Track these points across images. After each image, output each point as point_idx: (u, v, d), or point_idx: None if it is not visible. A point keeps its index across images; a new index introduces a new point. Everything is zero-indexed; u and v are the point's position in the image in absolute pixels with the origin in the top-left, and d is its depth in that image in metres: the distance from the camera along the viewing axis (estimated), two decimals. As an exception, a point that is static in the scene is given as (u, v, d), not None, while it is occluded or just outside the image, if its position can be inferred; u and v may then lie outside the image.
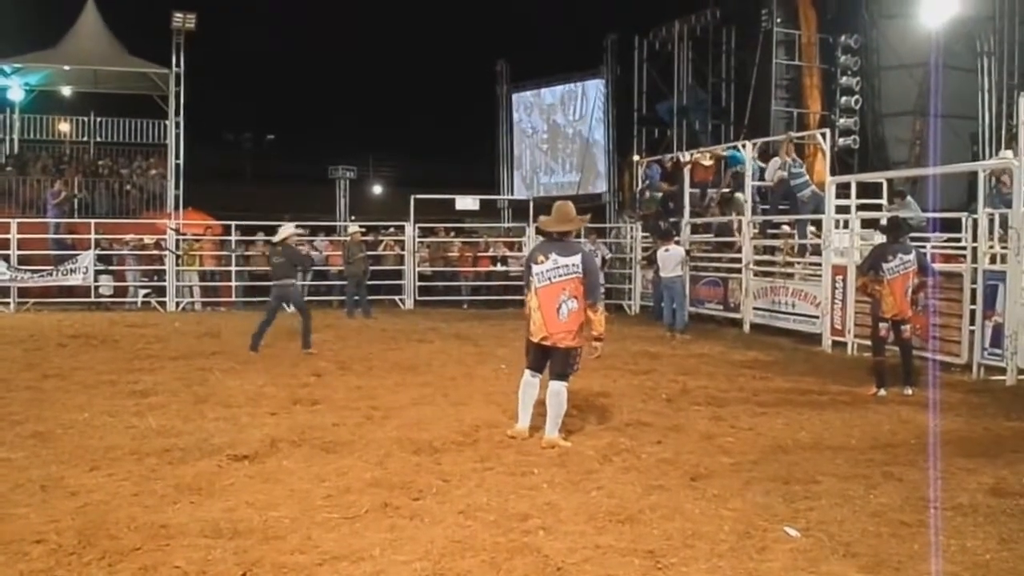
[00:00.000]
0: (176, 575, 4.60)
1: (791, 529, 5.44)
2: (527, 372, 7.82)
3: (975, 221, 12.31)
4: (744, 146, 18.31)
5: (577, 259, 7.53)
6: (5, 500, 5.78)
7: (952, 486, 6.34)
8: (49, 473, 6.42)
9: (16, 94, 24.02)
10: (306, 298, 20.72)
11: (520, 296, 8.02)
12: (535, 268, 7.59)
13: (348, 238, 14.42)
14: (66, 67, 22.97)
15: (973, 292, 11.80)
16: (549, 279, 7.49)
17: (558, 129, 32.08)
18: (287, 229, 14.63)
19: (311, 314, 14.36)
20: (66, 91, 25.19)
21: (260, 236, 21.83)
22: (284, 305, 14.17)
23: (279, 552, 4.96)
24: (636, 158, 24.28)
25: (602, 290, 8.42)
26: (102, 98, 25.49)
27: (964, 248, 12.94)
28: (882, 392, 10.14)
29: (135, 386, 10.23)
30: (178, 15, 21.13)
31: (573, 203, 8.17)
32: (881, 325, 10.39)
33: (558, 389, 7.54)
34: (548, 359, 7.65)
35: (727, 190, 19.00)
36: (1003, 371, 11.16)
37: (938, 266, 12.30)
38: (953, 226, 14.38)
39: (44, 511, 5.56)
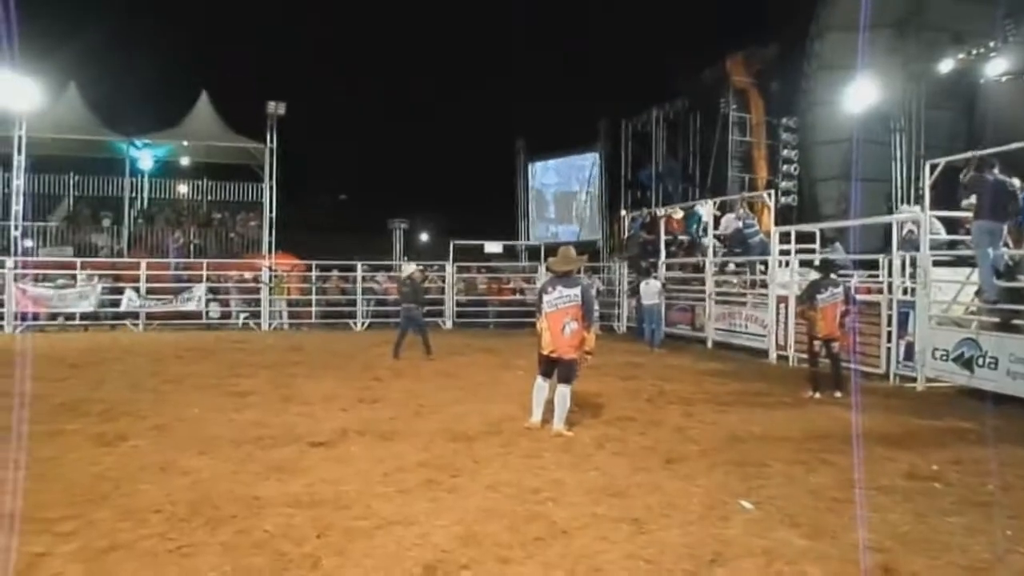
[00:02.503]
0: (264, 537, 4.59)
1: (746, 503, 5.38)
2: (539, 377, 7.84)
3: (890, 261, 12.24)
4: (704, 204, 18.31)
5: (578, 291, 7.63)
6: (132, 478, 5.79)
7: (875, 470, 6.26)
8: (166, 457, 6.42)
9: (146, 163, 24.26)
10: (369, 321, 20.97)
11: (534, 319, 8.02)
12: (545, 297, 7.67)
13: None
14: (185, 143, 23.21)
15: (889, 317, 11.70)
16: (556, 306, 7.56)
17: (563, 190, 32.19)
18: (410, 267, 15.06)
19: (428, 331, 14.46)
20: (185, 161, 25.41)
21: (334, 272, 21.95)
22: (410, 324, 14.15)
23: (346, 518, 4.95)
24: (623, 213, 24.23)
25: (596, 315, 8.43)
26: (213, 166, 25.69)
27: (881, 283, 12.83)
28: (816, 395, 10.05)
29: (235, 388, 10.24)
30: (271, 103, 21.33)
31: (574, 247, 8.23)
32: (815, 343, 10.33)
33: (564, 391, 7.55)
34: (555, 367, 7.67)
35: (688, 237, 19.00)
36: (914, 379, 11.06)
37: (861, 297, 12.20)
38: (872, 265, 14.28)
39: (163, 487, 5.58)
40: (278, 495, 5.39)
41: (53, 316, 19.37)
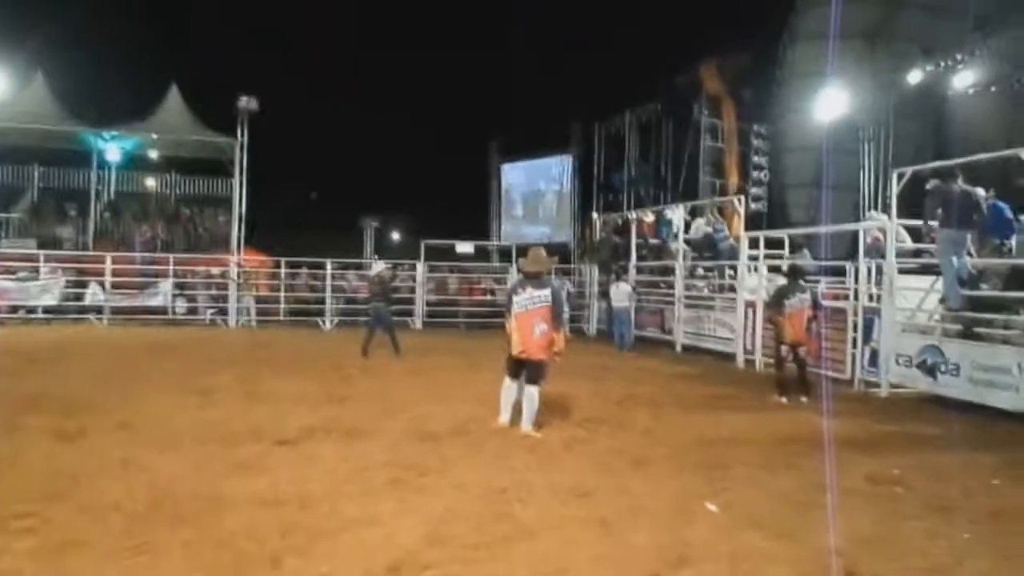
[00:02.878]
0: (226, 536, 4.52)
1: (712, 505, 5.41)
2: (507, 378, 7.82)
3: (857, 269, 12.39)
4: (675, 209, 18.43)
5: (547, 292, 7.62)
6: (93, 475, 5.68)
7: (839, 474, 6.29)
8: (128, 453, 6.31)
9: (113, 156, 23.82)
10: (338, 319, 20.83)
11: (504, 320, 7.99)
12: (515, 298, 7.66)
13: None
14: (154, 135, 22.83)
15: (855, 323, 11.83)
16: (526, 307, 7.55)
17: (536, 192, 32.20)
18: (378, 265, 14.99)
19: (396, 330, 14.36)
20: (153, 154, 25.02)
21: (303, 270, 21.78)
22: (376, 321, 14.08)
23: (311, 518, 4.90)
24: (595, 216, 24.30)
25: (564, 317, 8.42)
26: (181, 160, 25.33)
27: (848, 289, 12.99)
28: (783, 400, 10.15)
29: (200, 385, 10.09)
30: (243, 98, 21.10)
31: (544, 249, 8.22)
32: (782, 348, 10.44)
33: (532, 392, 7.54)
34: (524, 368, 7.64)
35: (659, 241, 19.12)
36: (878, 385, 11.19)
37: (828, 303, 12.33)
38: (839, 272, 14.46)
39: (123, 484, 5.48)
40: (241, 493, 5.31)
41: (14, 309, 19.01)
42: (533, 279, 7.76)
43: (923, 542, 4.82)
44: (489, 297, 22.32)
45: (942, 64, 18.04)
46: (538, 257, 7.96)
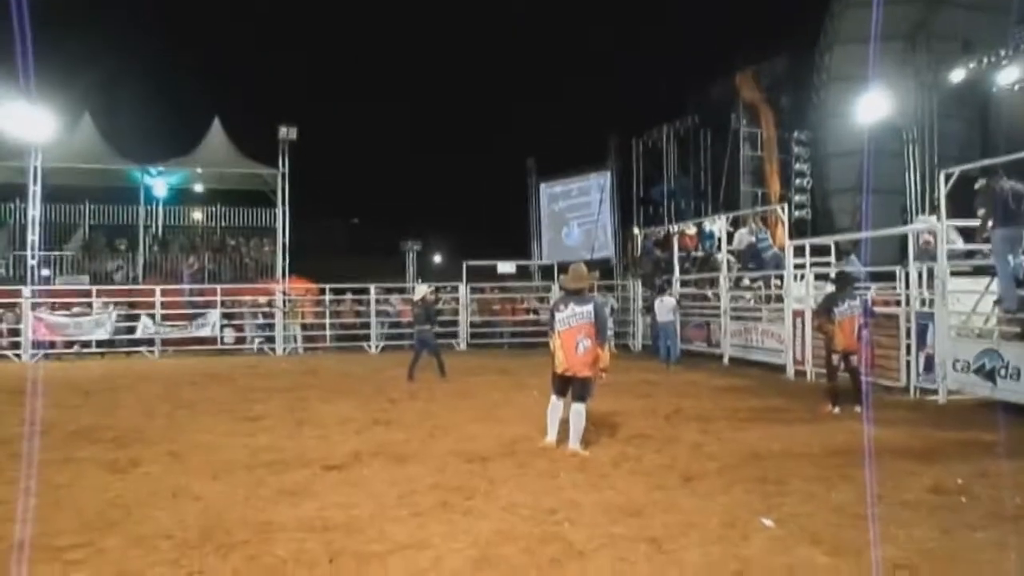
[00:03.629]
0: (276, 562, 4.51)
1: (767, 520, 5.26)
2: (553, 396, 7.75)
3: (907, 273, 12.11)
4: (717, 220, 18.26)
5: (590, 307, 7.52)
6: (143, 505, 5.72)
7: (898, 485, 6.12)
8: (179, 483, 6.37)
9: (160, 191, 24.39)
10: (384, 343, 20.95)
11: (547, 339, 7.93)
12: (558, 315, 7.58)
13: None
14: (199, 169, 23.33)
15: (908, 330, 11.54)
16: (568, 324, 7.47)
17: (575, 209, 32.13)
18: (422, 289, 14.92)
19: (441, 352, 14.39)
20: (198, 187, 25.56)
21: (348, 296, 21.98)
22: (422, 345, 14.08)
23: (359, 543, 4.87)
24: (636, 230, 24.17)
25: (609, 332, 8.33)
26: (226, 192, 25.82)
27: (899, 295, 12.69)
28: (836, 410, 9.90)
29: (249, 413, 10.20)
30: (283, 128, 21.46)
31: (585, 265, 8.15)
32: (834, 356, 10.19)
33: (579, 409, 7.45)
34: (569, 386, 7.56)
35: (702, 253, 18.95)
36: (935, 392, 10.89)
37: (879, 309, 12.05)
38: (889, 277, 14.15)
39: (173, 513, 5.51)
40: (290, 520, 5.32)
41: (69, 344, 19.46)
42: (575, 295, 7.68)
43: (991, 554, 4.63)
44: (532, 316, 22.26)
45: (984, 61, 17.67)
46: (579, 273, 7.88)
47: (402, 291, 22.86)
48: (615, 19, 36.24)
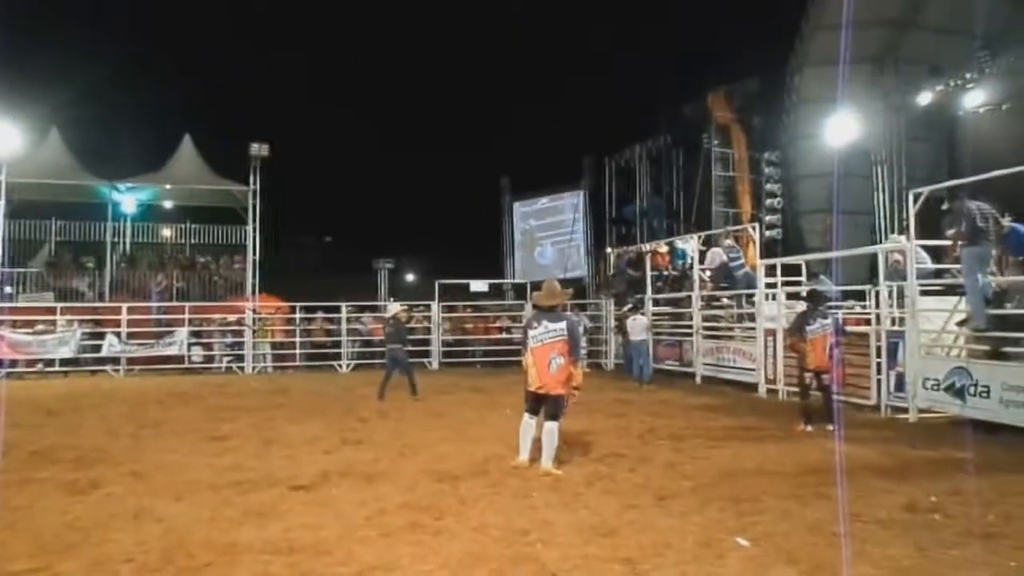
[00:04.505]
0: (239, 586, 4.35)
1: (742, 540, 5.20)
2: (526, 415, 7.66)
3: (877, 292, 12.20)
4: (689, 239, 18.35)
5: (563, 325, 7.46)
6: (104, 527, 5.55)
7: (872, 503, 6.09)
8: (141, 504, 6.18)
9: (129, 207, 24.07)
10: (355, 362, 20.74)
11: (520, 358, 7.85)
12: (531, 332, 7.52)
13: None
14: (168, 186, 23.07)
15: (879, 348, 11.60)
16: (541, 341, 7.40)
17: (548, 228, 32.20)
18: (394, 307, 14.80)
19: (414, 371, 14.23)
20: (168, 204, 25.29)
21: (319, 314, 21.76)
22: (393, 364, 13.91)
23: (326, 564, 4.75)
24: (608, 250, 24.25)
25: (582, 351, 8.26)
26: (196, 209, 25.54)
27: (869, 313, 12.77)
28: (809, 428, 9.91)
29: (216, 432, 9.99)
30: (254, 145, 21.30)
31: (558, 282, 8.09)
32: (806, 375, 10.23)
33: (551, 428, 7.36)
34: (542, 404, 7.48)
35: (676, 272, 19.01)
36: (906, 410, 10.93)
37: (850, 328, 12.12)
38: (859, 296, 14.25)
39: (135, 535, 5.34)
40: (255, 541, 5.17)
41: (32, 363, 19.05)
42: (548, 312, 7.62)
43: (966, 572, 4.61)
44: (505, 335, 22.17)
45: (952, 84, 17.96)
46: (552, 290, 7.82)
47: (374, 309, 22.70)
48: (589, 40, 36.54)
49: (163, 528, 5.51)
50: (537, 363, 7.40)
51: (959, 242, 10.42)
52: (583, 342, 20.96)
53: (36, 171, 20.70)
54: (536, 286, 8.76)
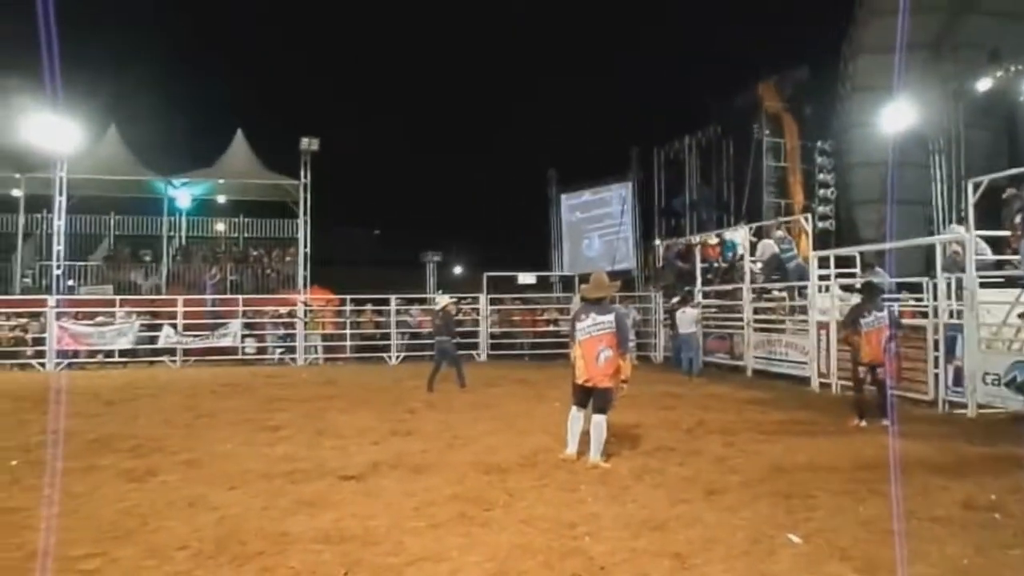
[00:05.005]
0: (290, 573, 4.45)
1: (794, 536, 5.11)
2: (573, 408, 7.63)
3: (935, 284, 11.89)
4: (738, 230, 18.11)
5: (611, 317, 7.40)
6: (159, 515, 5.68)
7: (929, 501, 5.95)
8: (196, 492, 6.32)
9: (184, 202, 24.63)
10: (404, 354, 20.91)
11: (568, 350, 7.83)
12: (578, 325, 7.48)
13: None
14: (221, 181, 23.54)
15: (936, 342, 11.31)
16: (589, 333, 7.36)
17: (595, 221, 32.03)
18: (443, 299, 14.83)
19: (462, 362, 14.37)
20: (221, 199, 25.80)
21: (368, 307, 21.97)
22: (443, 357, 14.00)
23: (375, 554, 4.78)
24: (657, 242, 24.05)
25: (631, 343, 8.19)
26: (248, 204, 26.06)
27: (926, 306, 12.46)
28: (863, 423, 9.70)
29: (268, 422, 10.15)
30: (305, 139, 21.58)
31: (608, 277, 8.03)
32: (860, 368, 10.01)
33: (599, 421, 7.33)
34: (590, 397, 7.44)
35: (726, 264, 18.77)
36: (964, 406, 10.65)
37: (906, 321, 11.84)
38: (915, 288, 13.91)
39: (189, 523, 5.45)
40: (307, 530, 5.24)
41: (93, 353, 19.59)
42: (595, 305, 7.57)
43: (1028, 573, 4.47)
44: (552, 327, 22.14)
45: (1012, 69, 17.41)
46: (600, 281, 7.77)
47: (422, 302, 22.84)
48: (638, 30, 36.20)
49: (217, 516, 5.62)
50: (585, 356, 7.36)
51: (1019, 232, 10.10)
52: (632, 335, 20.88)
53: (95, 167, 21.34)
54: (584, 278, 8.74)
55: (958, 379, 10.87)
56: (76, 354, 19.37)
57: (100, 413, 11.13)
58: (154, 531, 5.28)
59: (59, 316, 19.12)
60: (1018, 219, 10.34)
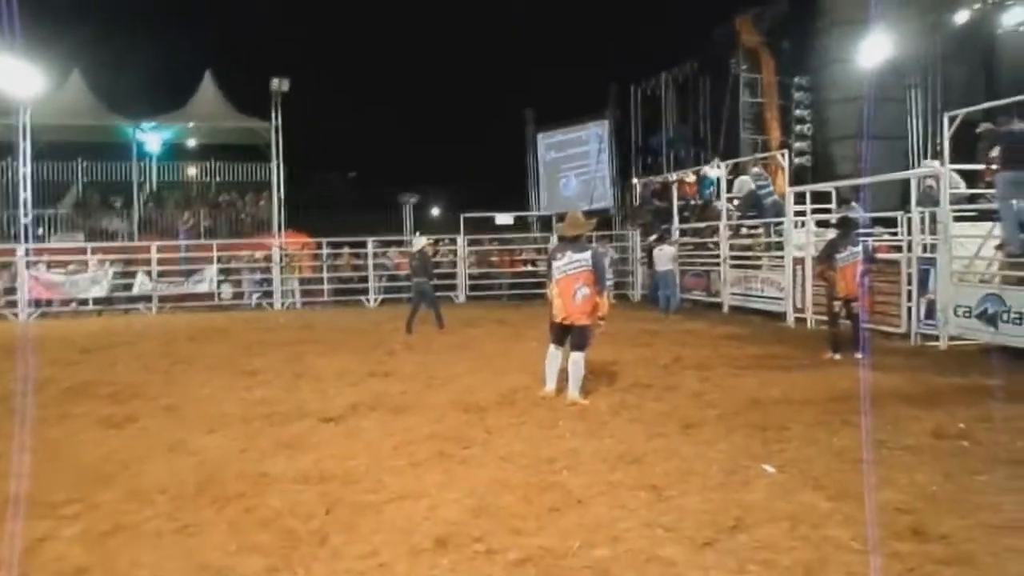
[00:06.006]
0: (271, 514, 4.46)
1: (768, 467, 5.22)
2: (551, 346, 7.70)
3: (909, 219, 11.98)
4: (717, 166, 18.07)
5: (587, 255, 7.43)
6: (139, 460, 5.69)
7: (900, 431, 6.08)
8: (175, 437, 6.33)
9: (154, 146, 24.15)
10: (382, 297, 20.87)
11: (546, 290, 7.84)
12: (555, 264, 7.50)
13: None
14: (191, 124, 23.08)
15: (909, 276, 11.44)
16: (566, 272, 7.39)
17: (572, 160, 31.78)
18: (421, 241, 14.81)
19: (440, 303, 14.41)
20: (192, 143, 25.32)
21: (345, 250, 21.84)
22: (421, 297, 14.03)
23: (355, 493, 4.83)
24: (634, 180, 23.97)
25: (608, 282, 8.21)
26: (220, 148, 25.56)
27: (901, 240, 12.57)
28: (837, 356, 9.86)
29: (246, 367, 10.15)
30: (275, 80, 21.12)
31: (585, 216, 8.03)
32: (835, 303, 10.13)
33: (577, 358, 7.39)
34: (567, 335, 7.49)
35: (703, 202, 18.79)
36: (936, 338, 10.83)
37: (880, 255, 11.94)
38: (891, 223, 14.01)
39: (169, 467, 5.48)
40: (286, 472, 5.28)
41: (66, 302, 19.39)
42: (572, 243, 7.59)
43: (993, 497, 4.58)
44: (530, 268, 22.15)
45: (989, 2, 17.28)
46: (575, 220, 7.79)
47: (400, 244, 22.72)
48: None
49: (197, 460, 5.64)
50: (562, 294, 7.40)
51: (993, 166, 10.15)
52: (609, 273, 20.94)
53: (59, 113, 20.76)
54: (561, 217, 8.71)
55: (930, 312, 11.03)
56: (49, 303, 19.17)
57: (76, 361, 11.06)
58: (134, 475, 5.29)
59: (29, 265, 18.84)
60: (993, 153, 10.35)
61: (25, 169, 19.86)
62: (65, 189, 24.14)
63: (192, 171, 26.14)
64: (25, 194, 19.88)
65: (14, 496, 4.78)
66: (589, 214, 9.85)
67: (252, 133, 22.91)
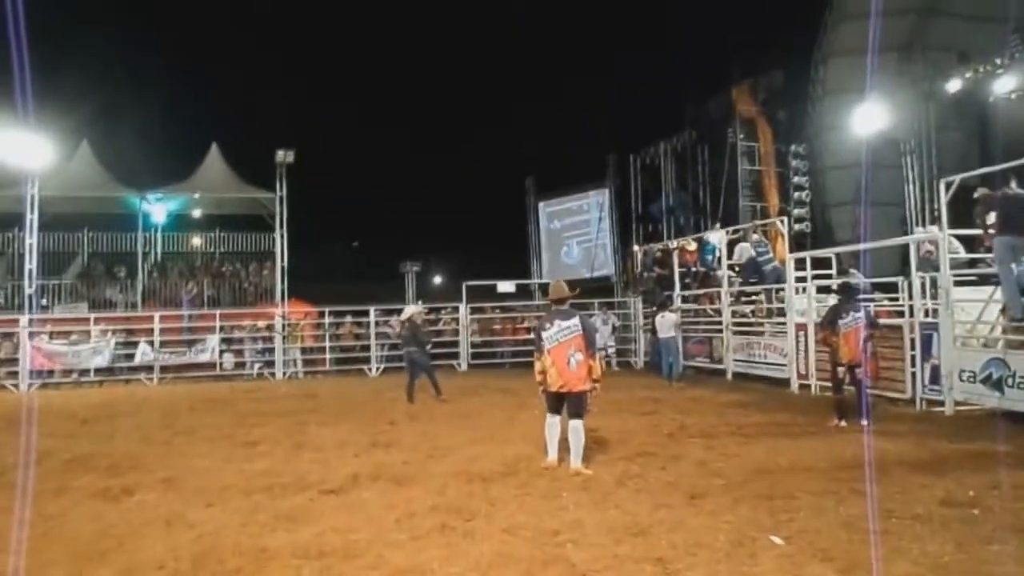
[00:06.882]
0: (270, 591, 4.36)
1: (776, 538, 5.12)
2: (548, 415, 7.68)
3: (910, 284, 12.01)
4: (716, 231, 18.22)
5: (576, 321, 7.51)
6: (136, 534, 5.59)
7: (909, 499, 5.97)
8: (173, 510, 6.22)
9: (159, 217, 24.36)
10: (384, 366, 20.80)
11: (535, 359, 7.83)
12: (544, 335, 7.55)
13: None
14: (196, 195, 23.32)
15: (912, 340, 11.41)
16: (558, 340, 7.43)
17: (573, 228, 32.08)
18: (410, 309, 14.68)
19: (435, 371, 14.21)
20: (197, 213, 25.54)
21: (348, 319, 21.86)
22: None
23: (356, 568, 4.74)
24: (635, 248, 24.12)
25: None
26: (225, 218, 25.74)
27: (902, 305, 12.57)
28: (843, 423, 9.76)
29: (247, 438, 10.05)
30: (280, 151, 21.45)
31: (586, 285, 8.10)
32: (839, 369, 10.09)
33: (576, 426, 7.36)
34: (564, 403, 7.48)
35: (703, 269, 18.88)
36: (942, 403, 10.75)
37: (882, 320, 11.93)
38: (891, 288, 14.03)
39: (167, 542, 5.37)
40: (286, 546, 5.18)
41: (67, 372, 19.33)
42: (558, 311, 7.64)
43: (1009, 567, 4.49)
44: (533, 335, 22.09)
45: (981, 70, 17.66)
46: (559, 288, 7.88)
47: (401, 313, 22.69)
48: (611, 37, 36.40)
49: (195, 534, 5.55)
50: (557, 363, 7.39)
51: (991, 230, 10.22)
52: (612, 341, 20.90)
53: (67, 184, 21.05)
54: (544, 289, 8.78)
55: (935, 377, 10.97)
56: (51, 373, 19.12)
57: (75, 433, 10.95)
58: (131, 551, 5.19)
59: (32, 335, 18.86)
60: (990, 217, 10.44)
61: (31, 240, 20.04)
62: (70, 259, 24.28)
63: (196, 241, 26.31)
64: (30, 265, 20.02)
65: (9, 572, 4.70)
66: (591, 282, 9.91)
67: (256, 203, 23.14)
